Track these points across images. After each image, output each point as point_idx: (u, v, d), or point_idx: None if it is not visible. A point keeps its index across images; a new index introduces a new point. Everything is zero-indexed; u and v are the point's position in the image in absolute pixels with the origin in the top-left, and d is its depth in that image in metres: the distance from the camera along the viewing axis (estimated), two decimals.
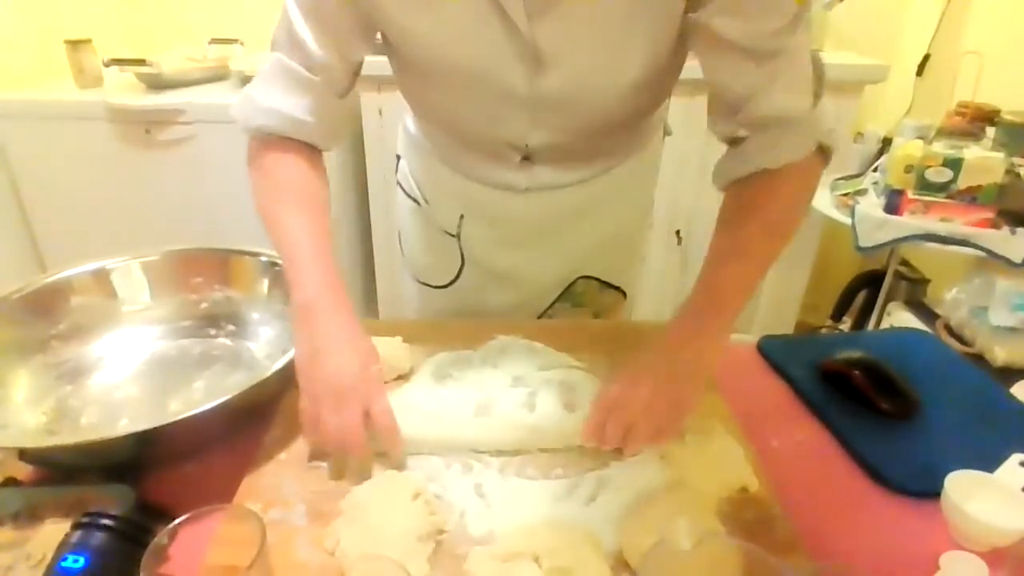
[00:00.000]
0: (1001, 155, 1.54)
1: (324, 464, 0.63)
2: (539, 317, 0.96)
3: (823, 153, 0.70)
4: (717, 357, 0.66)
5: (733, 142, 0.71)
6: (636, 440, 0.61)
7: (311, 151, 0.74)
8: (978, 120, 1.77)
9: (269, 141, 0.72)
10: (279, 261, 0.83)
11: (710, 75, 0.68)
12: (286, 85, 0.70)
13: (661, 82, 0.72)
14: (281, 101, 0.70)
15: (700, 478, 0.58)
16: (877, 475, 0.64)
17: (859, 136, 2.05)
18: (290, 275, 0.66)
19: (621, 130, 0.81)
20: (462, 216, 0.89)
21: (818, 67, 0.67)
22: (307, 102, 0.71)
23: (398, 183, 0.98)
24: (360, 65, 0.74)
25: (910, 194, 1.59)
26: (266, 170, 0.72)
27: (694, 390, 0.64)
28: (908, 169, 1.61)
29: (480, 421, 0.66)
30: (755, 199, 0.69)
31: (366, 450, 0.61)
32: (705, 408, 0.69)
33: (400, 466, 0.63)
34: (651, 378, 0.63)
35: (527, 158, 0.80)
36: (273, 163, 0.72)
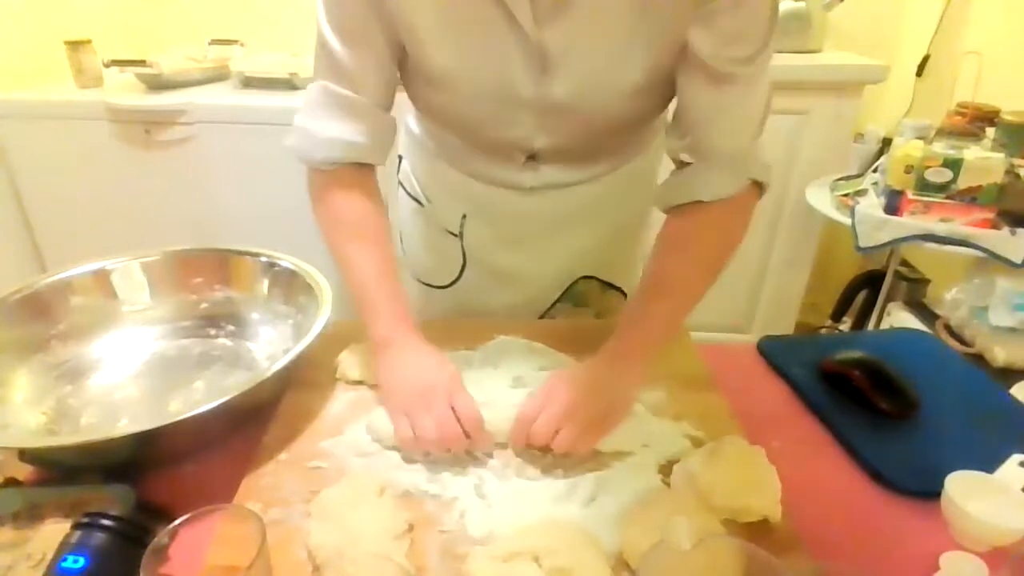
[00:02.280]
0: (1001, 155, 1.54)
1: (324, 464, 0.63)
2: (540, 317, 0.96)
3: (757, 187, 0.73)
4: (636, 384, 0.69)
5: (678, 163, 0.74)
6: (557, 449, 0.62)
7: (368, 173, 0.76)
8: (978, 120, 1.77)
9: (332, 175, 0.74)
10: (279, 261, 0.84)
11: (678, 88, 0.70)
12: (337, 112, 0.72)
13: (665, 87, 0.72)
14: (338, 129, 0.72)
15: (722, 501, 0.57)
16: (877, 475, 0.64)
17: (859, 136, 2.05)
18: (367, 315, 0.71)
19: (627, 132, 0.82)
20: (464, 216, 0.89)
21: (768, 102, 0.70)
22: (362, 124, 0.72)
23: (400, 183, 0.98)
24: (397, 77, 0.75)
25: (910, 194, 1.59)
26: (328, 208, 0.75)
27: (611, 411, 0.65)
28: (908, 169, 1.61)
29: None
30: (688, 232, 0.73)
31: (463, 440, 0.62)
32: (710, 411, 0.69)
33: (490, 450, 0.65)
34: (573, 393, 0.64)
35: (532, 158, 0.80)
36: (334, 200, 0.75)
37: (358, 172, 0.75)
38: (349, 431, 0.68)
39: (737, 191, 0.71)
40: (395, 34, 0.70)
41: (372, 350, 0.71)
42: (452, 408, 0.63)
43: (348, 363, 0.76)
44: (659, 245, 0.74)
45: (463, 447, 0.63)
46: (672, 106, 0.82)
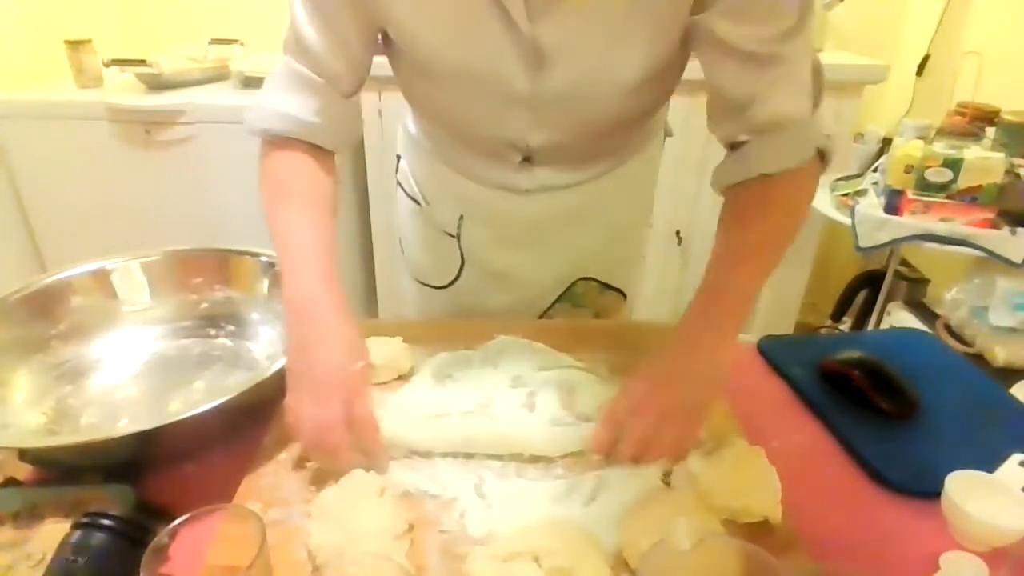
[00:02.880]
0: (1001, 155, 1.54)
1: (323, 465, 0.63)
2: (539, 318, 0.96)
3: (822, 158, 0.70)
4: (728, 360, 0.65)
5: (733, 146, 0.71)
6: (653, 455, 0.61)
7: (320, 152, 0.74)
8: (978, 120, 1.77)
9: (276, 143, 0.72)
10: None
11: (711, 78, 0.68)
12: (292, 88, 0.71)
13: (663, 82, 0.72)
14: (288, 103, 0.71)
15: (723, 501, 0.57)
16: (877, 475, 0.64)
17: (859, 136, 2.05)
18: (284, 272, 0.66)
19: (622, 130, 0.81)
20: (462, 217, 0.89)
21: (818, 73, 0.68)
22: (313, 103, 0.71)
23: (398, 183, 0.98)
24: (366, 67, 0.75)
25: (910, 194, 1.59)
26: (271, 169, 0.72)
27: (708, 396, 0.63)
28: (908, 169, 1.61)
29: (480, 423, 0.66)
30: (755, 204, 0.69)
31: (341, 449, 0.59)
32: (713, 412, 0.69)
33: (381, 469, 0.61)
34: (662, 387, 0.62)
35: (528, 159, 0.80)
36: (278, 162, 0.72)
37: (309, 148, 0.72)
38: None
39: (803, 161, 0.67)
40: (373, 22, 0.69)
41: (284, 312, 0.64)
42: (350, 409, 0.59)
43: None
44: (727, 218, 0.70)
45: (347, 460, 0.59)
46: (670, 106, 0.83)
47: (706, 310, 0.67)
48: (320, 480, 0.61)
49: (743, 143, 0.69)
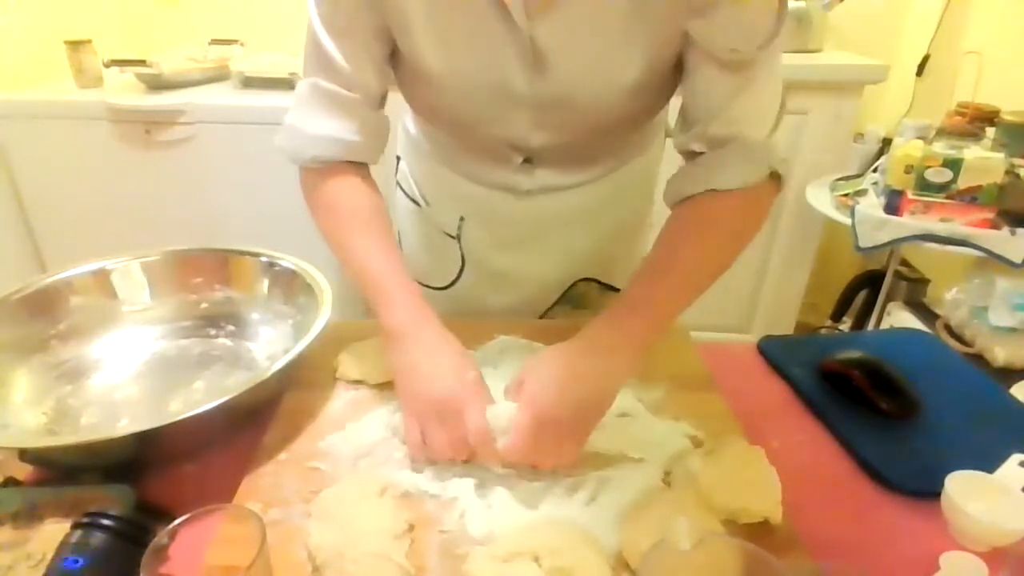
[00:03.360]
0: (1001, 155, 1.54)
1: (324, 464, 0.63)
2: (539, 319, 0.96)
3: (776, 181, 0.69)
4: (627, 373, 0.62)
5: (689, 156, 0.71)
6: (544, 462, 0.60)
7: (362, 169, 0.75)
8: (978, 120, 1.77)
9: (321, 170, 0.73)
10: (279, 261, 0.84)
11: (683, 81, 0.69)
12: (329, 109, 0.71)
13: (663, 83, 0.72)
14: (329, 126, 0.71)
15: (722, 501, 0.57)
16: (877, 475, 0.64)
17: (859, 136, 2.05)
18: (377, 305, 0.67)
19: (623, 132, 0.81)
20: (462, 218, 0.89)
21: (782, 96, 0.68)
22: (353, 122, 0.71)
23: (398, 184, 0.97)
24: (388, 70, 0.74)
25: (910, 194, 1.59)
26: (327, 201, 0.73)
27: (595, 411, 0.61)
28: (908, 169, 1.61)
29: None
30: (696, 221, 0.68)
31: (469, 454, 0.61)
32: (710, 411, 0.69)
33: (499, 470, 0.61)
34: (558, 403, 0.58)
35: (528, 160, 0.80)
36: (333, 193, 0.73)
37: (353, 167, 0.74)
38: (350, 430, 0.67)
39: (755, 181, 0.67)
40: (387, 29, 0.69)
41: (385, 341, 0.67)
42: (465, 424, 0.60)
43: (348, 363, 0.76)
44: (667, 231, 0.69)
45: (468, 460, 0.61)
46: (670, 105, 0.83)
47: (612, 325, 0.63)
48: (320, 480, 0.61)
49: (696, 155, 0.69)
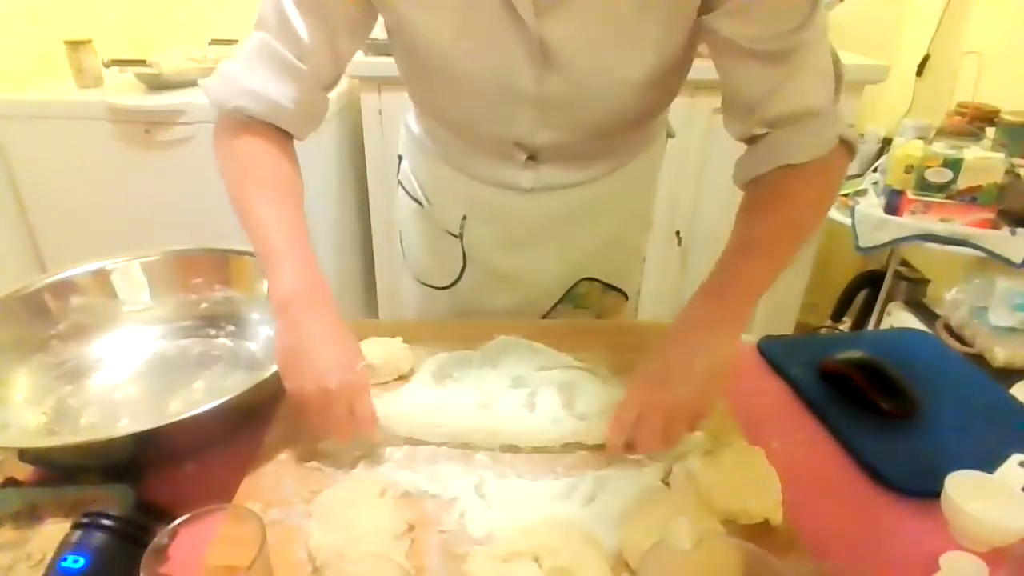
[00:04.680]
0: (1001, 155, 1.54)
1: (323, 465, 0.63)
2: (541, 319, 0.96)
3: (846, 148, 0.68)
4: (729, 356, 0.64)
5: (751, 140, 0.70)
6: (661, 447, 0.61)
7: (284, 137, 0.73)
8: (978, 120, 1.77)
9: (243, 123, 0.70)
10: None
11: (723, 77, 0.68)
12: (272, 70, 0.69)
13: (669, 81, 0.72)
14: (266, 85, 0.68)
15: (722, 502, 0.57)
16: (877, 475, 0.64)
17: (859, 136, 2.05)
18: (267, 268, 0.64)
19: (628, 130, 0.81)
20: (465, 217, 0.89)
21: (836, 63, 0.66)
22: (292, 90, 0.69)
23: (400, 183, 0.97)
24: (346, 63, 0.73)
25: (910, 194, 1.59)
26: (239, 155, 0.70)
27: (709, 393, 0.63)
28: (908, 169, 1.61)
29: (480, 421, 0.66)
30: (776, 195, 0.67)
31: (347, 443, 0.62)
32: (713, 412, 0.69)
33: (377, 461, 0.63)
34: (664, 388, 0.61)
35: (532, 157, 0.79)
36: (247, 148, 0.70)
37: (277, 133, 0.71)
38: None
39: (825, 151, 0.66)
40: (364, 19, 0.69)
41: (272, 309, 0.64)
42: (352, 411, 0.61)
43: None
44: (744, 211, 0.68)
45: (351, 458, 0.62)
46: (676, 105, 0.83)
47: (708, 305, 0.65)
48: (320, 480, 0.61)
49: (761, 136, 0.68)
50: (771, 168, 0.67)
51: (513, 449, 0.65)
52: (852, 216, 1.67)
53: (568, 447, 0.65)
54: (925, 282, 1.91)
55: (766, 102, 0.65)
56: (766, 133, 0.67)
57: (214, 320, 0.86)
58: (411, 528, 0.55)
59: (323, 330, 0.63)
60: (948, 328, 1.68)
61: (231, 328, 0.86)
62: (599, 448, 0.64)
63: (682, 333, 0.65)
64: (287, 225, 0.66)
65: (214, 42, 2.05)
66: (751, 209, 0.68)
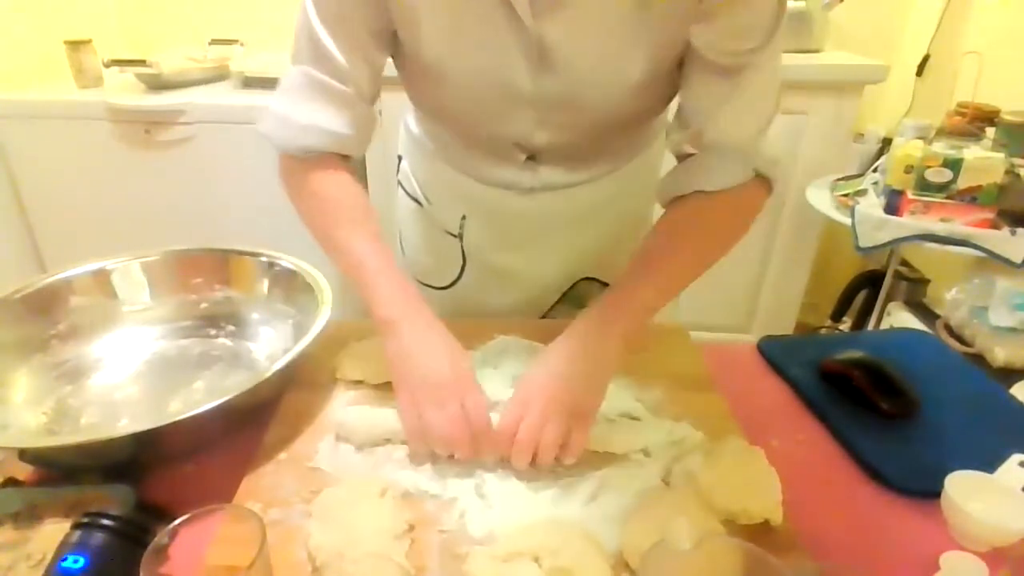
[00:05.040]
0: (1001, 155, 1.54)
1: (324, 464, 0.63)
2: (541, 319, 0.96)
3: (764, 183, 0.71)
4: (611, 367, 0.65)
5: (681, 157, 0.73)
6: (542, 456, 0.60)
7: (347, 162, 0.75)
8: (978, 120, 1.77)
9: (307, 159, 0.72)
10: (279, 261, 0.84)
11: (681, 84, 0.70)
12: (320, 100, 0.70)
13: (667, 82, 0.72)
14: (320, 117, 0.70)
15: (722, 502, 0.57)
16: (877, 475, 0.64)
17: (859, 136, 2.05)
18: (368, 296, 0.67)
19: (627, 130, 0.81)
20: (464, 216, 0.89)
21: (778, 95, 0.69)
22: (345, 115, 0.71)
23: (399, 183, 0.97)
24: (382, 69, 0.74)
25: (910, 194, 1.59)
26: (314, 191, 0.72)
27: (592, 399, 0.63)
28: (908, 169, 1.61)
29: None
30: (686, 219, 0.71)
31: (469, 443, 0.60)
32: (710, 411, 0.69)
33: (495, 459, 0.62)
34: (547, 389, 0.62)
35: (532, 157, 0.80)
36: (321, 184, 0.72)
37: (339, 159, 0.73)
38: None
39: (740, 182, 0.69)
40: (386, 24, 0.69)
41: (379, 330, 0.67)
42: (464, 407, 0.61)
43: (348, 363, 0.76)
44: (656, 230, 0.72)
45: (469, 452, 0.61)
46: (674, 104, 0.83)
47: (602, 314, 0.67)
48: (320, 480, 0.61)
49: (688, 156, 0.71)
50: (686, 191, 0.71)
51: None
52: (852, 216, 1.67)
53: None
54: (925, 282, 1.91)
55: (701, 121, 0.68)
56: (692, 154, 0.70)
57: (214, 320, 0.86)
58: (411, 528, 0.55)
59: (425, 336, 0.66)
60: (948, 328, 1.68)
61: (231, 328, 0.86)
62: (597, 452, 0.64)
63: (573, 339, 0.66)
64: (375, 250, 0.69)
65: (214, 42, 2.05)
66: (661, 229, 0.72)
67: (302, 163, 0.73)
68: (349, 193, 0.73)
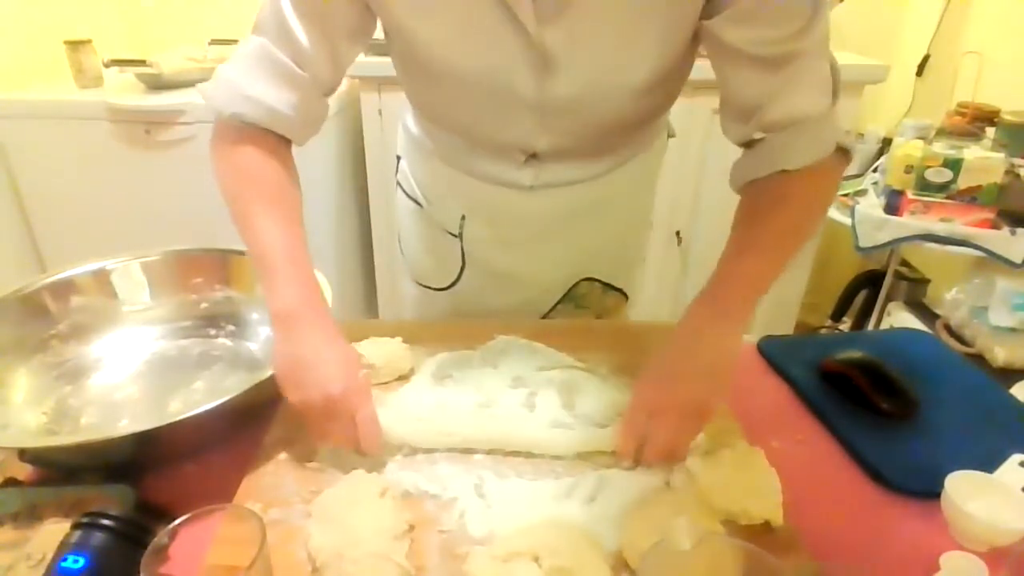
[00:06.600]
0: (1001, 155, 1.54)
1: (323, 465, 0.63)
2: (542, 319, 0.96)
3: (843, 153, 0.69)
4: (733, 352, 0.64)
5: (748, 144, 0.70)
6: (678, 455, 0.61)
7: (282, 144, 0.72)
8: (978, 120, 1.77)
9: (242, 130, 0.70)
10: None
11: (722, 81, 0.68)
12: (271, 76, 0.68)
13: (670, 85, 0.72)
14: (265, 92, 0.68)
15: (722, 503, 0.57)
16: (877, 475, 0.64)
17: (859, 136, 2.05)
18: (265, 281, 0.65)
19: (629, 131, 0.81)
20: (464, 216, 0.88)
21: (835, 70, 0.67)
22: (292, 97, 0.69)
23: (398, 184, 0.97)
24: (345, 69, 0.73)
25: (910, 194, 1.59)
26: (237, 164, 0.70)
27: (717, 390, 0.63)
28: (908, 169, 1.61)
29: (480, 419, 0.66)
30: (771, 199, 0.68)
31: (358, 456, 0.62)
32: (716, 414, 0.69)
33: (379, 468, 0.63)
34: (673, 388, 0.62)
35: (533, 156, 0.79)
36: (245, 157, 0.70)
37: (275, 139, 0.71)
38: None
39: (821, 157, 0.66)
40: (364, 25, 0.69)
41: (271, 322, 0.64)
42: (355, 419, 0.61)
43: None
44: (742, 214, 0.70)
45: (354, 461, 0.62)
46: (677, 104, 0.83)
47: (711, 303, 0.65)
48: (320, 480, 0.61)
49: (759, 140, 0.68)
50: (768, 173, 0.68)
51: (513, 454, 0.65)
52: (852, 216, 1.67)
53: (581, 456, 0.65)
54: (925, 282, 1.91)
55: (764, 107, 0.65)
56: (763, 138, 0.67)
57: (214, 320, 0.86)
58: (411, 528, 0.55)
59: (322, 341, 0.63)
60: (948, 328, 1.68)
61: (231, 328, 0.86)
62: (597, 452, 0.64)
63: (684, 334, 0.65)
64: (284, 237, 0.66)
65: (214, 42, 2.05)
66: (748, 213, 0.69)
67: (235, 131, 0.70)
68: (273, 172, 0.70)
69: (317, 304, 0.65)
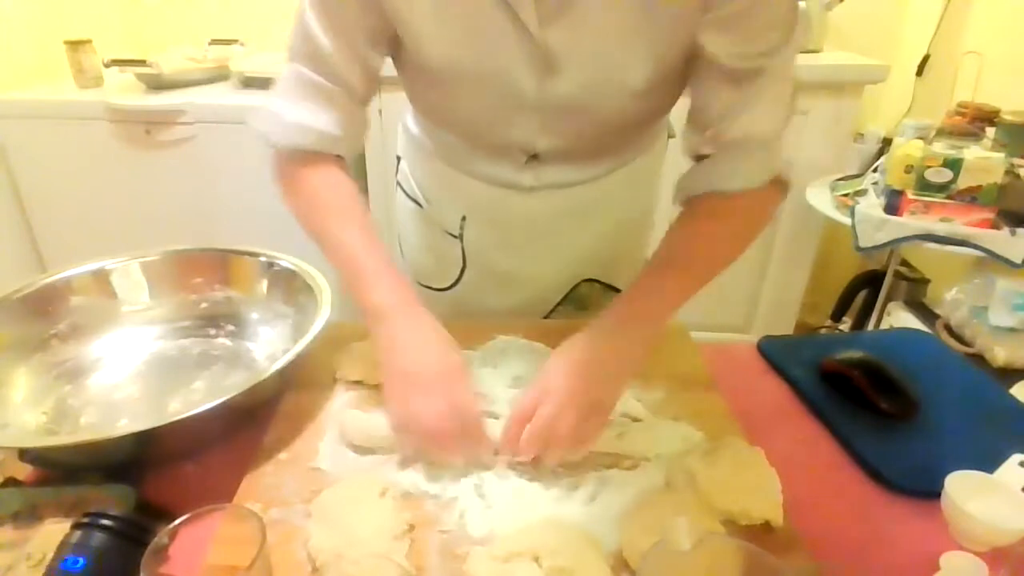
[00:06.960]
0: (1001, 155, 1.54)
1: (324, 464, 0.63)
2: (540, 320, 0.95)
3: (779, 186, 0.71)
4: (640, 359, 0.65)
5: (697, 158, 0.72)
6: (553, 447, 0.59)
7: (339, 161, 0.74)
8: (978, 120, 1.77)
9: (299, 158, 0.72)
10: (278, 261, 0.84)
11: (693, 92, 0.70)
12: (312, 99, 0.70)
13: (671, 86, 0.72)
14: (311, 117, 0.70)
15: (722, 503, 0.57)
16: (877, 475, 0.64)
17: (859, 136, 2.05)
18: (359, 287, 0.66)
19: (630, 132, 0.81)
20: (464, 217, 0.88)
21: (794, 97, 0.69)
22: (334, 115, 0.71)
23: (398, 184, 0.97)
24: (378, 73, 0.74)
25: (910, 194, 1.59)
26: (302, 191, 0.72)
27: (611, 394, 0.63)
28: (908, 169, 1.61)
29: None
30: (703, 220, 0.71)
31: (454, 438, 0.60)
32: (710, 411, 0.69)
33: (482, 460, 0.61)
34: (569, 379, 0.61)
35: (533, 157, 0.79)
36: (311, 181, 0.72)
37: (331, 157, 0.73)
38: None
39: (759, 184, 0.69)
40: (384, 26, 0.69)
41: (367, 320, 0.66)
42: (452, 400, 0.60)
43: (348, 363, 0.76)
44: (673, 229, 0.71)
45: (454, 447, 0.60)
46: (677, 104, 0.83)
47: (628, 310, 0.67)
48: (320, 480, 0.61)
49: (705, 157, 0.71)
50: (703, 191, 0.71)
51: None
52: (852, 216, 1.67)
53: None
54: (925, 282, 1.91)
55: (720, 123, 0.67)
56: (709, 155, 0.70)
57: (214, 320, 0.86)
58: (411, 528, 0.55)
59: (414, 327, 0.65)
60: (948, 328, 1.68)
61: (231, 328, 0.86)
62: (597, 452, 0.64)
63: (595, 335, 0.65)
64: (369, 243, 0.69)
65: (214, 42, 2.05)
66: (678, 229, 0.72)
67: (294, 161, 0.72)
68: (341, 190, 0.72)
69: (412, 298, 0.67)
